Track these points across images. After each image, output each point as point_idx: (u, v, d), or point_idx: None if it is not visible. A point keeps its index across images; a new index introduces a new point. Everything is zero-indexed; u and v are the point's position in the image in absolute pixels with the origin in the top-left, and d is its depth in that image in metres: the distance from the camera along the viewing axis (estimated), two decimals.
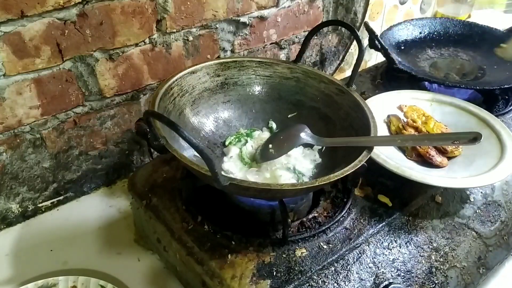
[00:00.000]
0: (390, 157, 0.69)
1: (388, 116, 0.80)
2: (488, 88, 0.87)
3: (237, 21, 0.90)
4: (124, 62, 0.77)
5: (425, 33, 1.08)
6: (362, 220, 0.64)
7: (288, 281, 0.55)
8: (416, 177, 0.65)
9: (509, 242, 0.72)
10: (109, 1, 0.71)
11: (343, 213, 0.64)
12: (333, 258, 0.59)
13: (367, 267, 0.60)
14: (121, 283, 0.67)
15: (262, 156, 0.67)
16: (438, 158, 0.71)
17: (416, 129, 0.76)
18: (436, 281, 0.62)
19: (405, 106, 0.82)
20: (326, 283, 0.57)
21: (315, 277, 0.57)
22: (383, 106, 0.81)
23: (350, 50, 1.20)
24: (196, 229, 0.61)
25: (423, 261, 0.63)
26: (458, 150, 0.73)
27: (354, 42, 1.15)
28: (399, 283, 0.60)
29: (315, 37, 1.08)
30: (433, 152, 0.71)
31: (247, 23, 0.91)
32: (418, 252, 0.64)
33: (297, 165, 0.66)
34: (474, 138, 0.57)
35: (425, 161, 0.72)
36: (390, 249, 0.63)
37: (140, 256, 0.72)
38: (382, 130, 0.77)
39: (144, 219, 0.69)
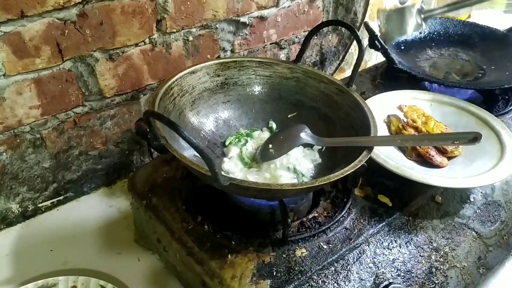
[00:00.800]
0: (390, 157, 0.69)
1: (388, 116, 0.80)
2: (488, 88, 0.87)
3: (237, 21, 0.90)
4: (124, 62, 0.77)
5: (425, 33, 1.08)
6: (362, 220, 0.64)
7: (288, 281, 0.55)
8: (416, 177, 0.65)
9: (509, 242, 0.72)
10: (109, 1, 0.71)
11: (343, 213, 0.64)
12: (333, 258, 0.59)
13: (367, 267, 0.60)
14: (121, 283, 0.67)
15: (262, 156, 0.67)
16: (438, 158, 0.71)
17: (416, 129, 0.76)
18: (436, 281, 0.62)
19: (405, 106, 0.82)
20: (326, 283, 0.57)
21: (315, 277, 0.57)
22: (383, 106, 0.81)
23: (350, 50, 1.20)
24: (196, 229, 0.61)
25: (423, 261, 0.63)
26: (458, 150, 0.73)
27: (354, 42, 1.15)
28: (399, 283, 0.60)
29: (315, 37, 1.08)
30: (433, 152, 0.71)
31: (247, 23, 0.91)
32: (418, 252, 0.64)
33: (297, 165, 0.66)
34: (474, 138, 0.57)
35: (425, 161, 0.72)
36: (390, 249, 0.63)
37: (140, 256, 0.72)
38: (382, 130, 0.77)
39: (144, 219, 0.69)
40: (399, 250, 0.63)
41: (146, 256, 0.72)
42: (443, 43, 1.07)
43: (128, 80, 0.79)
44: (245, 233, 0.60)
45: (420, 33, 1.07)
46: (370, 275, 0.59)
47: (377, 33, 0.91)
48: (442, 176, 0.68)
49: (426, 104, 0.83)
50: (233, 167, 0.66)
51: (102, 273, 0.69)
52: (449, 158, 0.73)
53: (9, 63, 0.65)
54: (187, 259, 0.59)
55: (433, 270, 0.63)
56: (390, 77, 0.98)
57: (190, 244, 0.60)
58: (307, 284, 0.56)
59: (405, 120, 0.79)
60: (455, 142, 0.64)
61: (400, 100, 0.83)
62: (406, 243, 0.64)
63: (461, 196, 0.73)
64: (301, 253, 0.59)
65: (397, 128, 0.77)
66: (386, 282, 0.59)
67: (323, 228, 0.62)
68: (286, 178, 0.64)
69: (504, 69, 0.97)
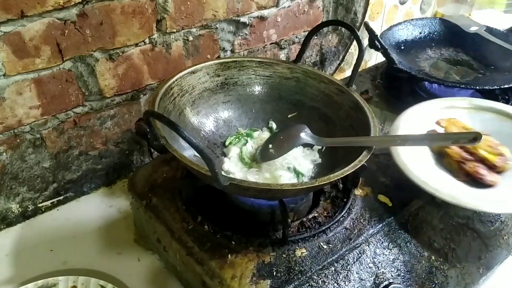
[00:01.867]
0: (439, 182, 0.64)
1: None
2: (488, 88, 0.87)
3: (237, 21, 0.90)
4: (124, 62, 0.77)
5: (425, 33, 1.08)
6: (362, 220, 0.64)
7: (288, 281, 0.55)
8: (472, 206, 0.60)
9: (509, 242, 0.72)
10: (109, 1, 0.71)
11: (343, 213, 0.64)
12: (333, 258, 0.59)
13: (367, 267, 0.60)
14: (121, 283, 0.67)
15: (262, 156, 0.67)
16: (489, 177, 0.65)
17: (470, 153, 0.68)
18: (436, 281, 0.62)
19: (443, 120, 0.74)
20: (326, 283, 0.57)
21: (315, 277, 0.57)
22: (417, 122, 0.73)
23: (350, 50, 1.20)
24: (196, 229, 0.61)
25: (423, 261, 0.63)
26: (508, 164, 0.66)
27: (354, 42, 1.15)
28: (399, 283, 0.60)
29: (315, 37, 1.08)
30: (483, 171, 0.65)
31: (247, 23, 0.91)
32: (418, 252, 0.64)
33: (297, 165, 0.66)
34: (474, 138, 0.57)
35: (475, 180, 0.65)
36: (390, 249, 0.63)
37: (140, 256, 0.72)
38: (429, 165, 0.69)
39: (144, 219, 0.69)
40: (399, 250, 0.63)
41: (146, 256, 0.72)
42: (443, 43, 1.07)
43: (128, 80, 0.79)
44: (245, 233, 0.60)
45: (420, 33, 1.08)
46: (370, 275, 0.59)
47: (377, 33, 0.91)
48: (496, 201, 0.61)
49: (463, 112, 0.76)
50: (233, 167, 0.66)
51: (102, 273, 0.68)
52: (498, 173, 0.66)
53: (9, 63, 0.65)
54: (187, 259, 0.59)
55: (433, 270, 0.63)
56: (390, 77, 0.98)
57: (190, 244, 0.60)
58: (307, 284, 0.56)
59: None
60: (455, 142, 0.63)
61: (434, 111, 0.76)
62: (406, 243, 0.64)
63: None
64: (301, 253, 0.59)
65: (460, 157, 0.68)
66: (386, 282, 0.59)
67: (323, 228, 0.62)
68: (286, 178, 0.64)
69: (504, 69, 0.97)
